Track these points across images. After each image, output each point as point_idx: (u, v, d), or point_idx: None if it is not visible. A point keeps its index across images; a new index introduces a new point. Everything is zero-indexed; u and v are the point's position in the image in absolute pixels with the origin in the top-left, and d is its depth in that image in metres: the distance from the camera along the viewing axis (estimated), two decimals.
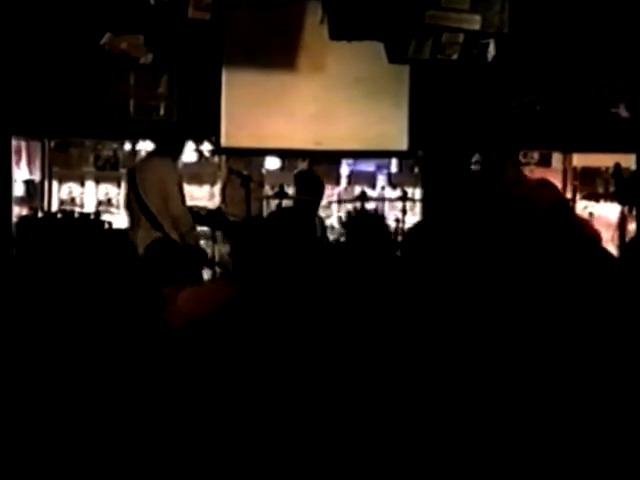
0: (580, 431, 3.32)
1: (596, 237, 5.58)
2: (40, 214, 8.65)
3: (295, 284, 3.51)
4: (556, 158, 9.74)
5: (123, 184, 9.19)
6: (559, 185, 9.39)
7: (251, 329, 3.33)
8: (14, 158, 8.78)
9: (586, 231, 5.61)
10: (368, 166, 9.85)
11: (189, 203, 7.54)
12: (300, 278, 3.48)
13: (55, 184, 9.27)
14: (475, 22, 6.68)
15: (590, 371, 3.42)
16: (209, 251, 8.12)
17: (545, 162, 9.68)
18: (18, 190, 8.92)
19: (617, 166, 7.88)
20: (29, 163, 9.05)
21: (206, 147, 9.13)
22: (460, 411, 3.39)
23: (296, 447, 3.22)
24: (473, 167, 7.51)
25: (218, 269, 7.93)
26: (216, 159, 9.39)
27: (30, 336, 4.26)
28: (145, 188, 7.02)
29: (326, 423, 3.27)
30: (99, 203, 9.37)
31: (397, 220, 7.95)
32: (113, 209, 9.29)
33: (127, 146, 9.42)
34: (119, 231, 7.86)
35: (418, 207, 8.98)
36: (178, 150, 7.20)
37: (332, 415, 3.28)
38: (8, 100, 8.06)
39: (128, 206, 7.42)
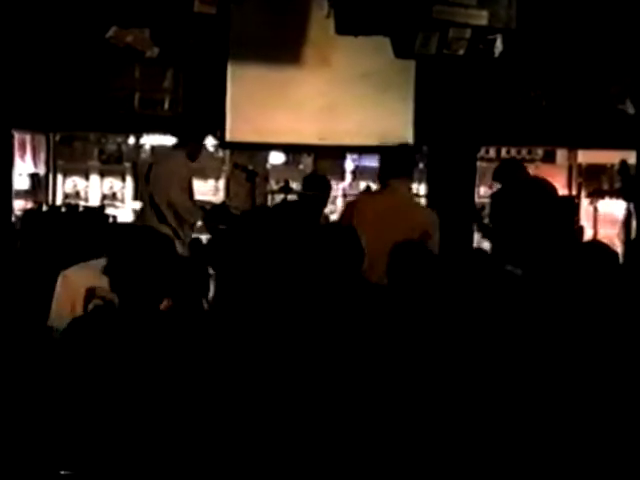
0: (580, 432, 3.31)
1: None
2: (45, 208, 8.65)
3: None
4: (561, 154, 9.71)
5: (128, 178, 9.20)
6: (564, 182, 9.42)
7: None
8: (19, 152, 8.77)
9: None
10: (373, 161, 9.83)
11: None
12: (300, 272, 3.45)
13: (60, 178, 9.27)
14: (482, 17, 6.65)
15: (591, 372, 3.40)
16: None
17: (550, 158, 9.65)
18: (23, 183, 8.91)
19: (623, 163, 7.87)
20: (34, 157, 9.04)
21: (210, 141, 9.11)
22: (460, 411, 3.38)
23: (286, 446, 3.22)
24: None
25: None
26: (220, 153, 9.39)
27: (32, 328, 4.26)
28: (155, 181, 7.03)
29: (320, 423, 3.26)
30: (104, 197, 9.36)
31: None
32: (118, 203, 9.29)
33: (131, 140, 9.42)
34: (124, 225, 7.85)
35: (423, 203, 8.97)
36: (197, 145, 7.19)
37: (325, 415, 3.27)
38: (13, 93, 8.05)
39: (141, 198, 7.44)
